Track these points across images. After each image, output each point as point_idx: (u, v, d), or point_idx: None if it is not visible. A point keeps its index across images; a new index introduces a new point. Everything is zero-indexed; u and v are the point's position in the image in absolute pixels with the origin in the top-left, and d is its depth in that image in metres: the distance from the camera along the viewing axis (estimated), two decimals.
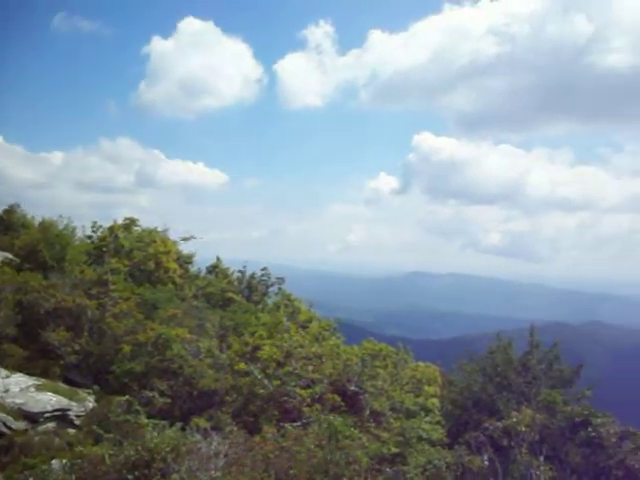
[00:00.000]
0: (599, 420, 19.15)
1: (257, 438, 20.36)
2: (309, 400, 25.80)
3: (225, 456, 17.85)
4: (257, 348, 29.02)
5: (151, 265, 42.39)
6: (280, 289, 47.51)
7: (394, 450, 24.39)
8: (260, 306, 42.31)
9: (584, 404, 25.85)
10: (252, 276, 48.89)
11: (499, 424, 20.54)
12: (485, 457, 19.98)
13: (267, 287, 48.48)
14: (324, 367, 27.69)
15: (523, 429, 19.78)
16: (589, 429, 19.02)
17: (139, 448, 16.15)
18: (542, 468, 19.42)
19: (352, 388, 27.42)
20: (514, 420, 20.09)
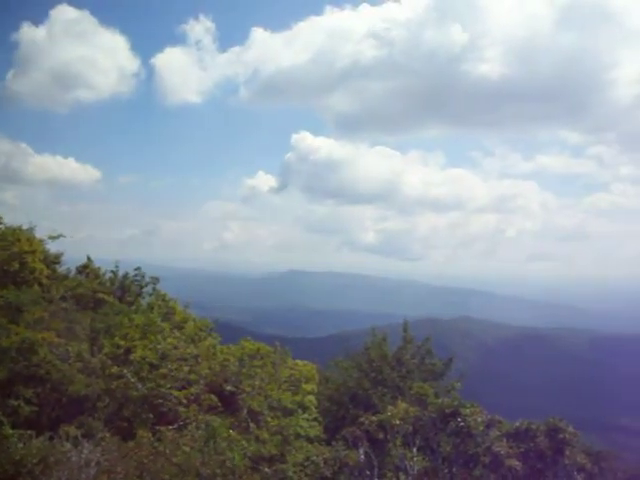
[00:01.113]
0: (467, 410, 19.90)
1: (131, 444, 19.76)
2: (185, 402, 25.34)
3: (97, 464, 17.21)
4: (130, 350, 28.14)
5: (15, 265, 40.06)
6: (154, 289, 46.27)
7: (273, 449, 24.41)
8: (134, 307, 41.00)
9: (454, 395, 26.96)
10: (125, 276, 47.31)
11: (374, 418, 20.94)
12: (361, 451, 20.30)
13: (141, 287, 47.06)
14: (200, 368, 27.27)
15: (397, 422, 20.26)
16: (458, 419, 19.72)
17: (2, 462, 15.23)
18: (415, 459, 19.99)
19: (229, 388, 27.16)
20: (389, 414, 20.55)
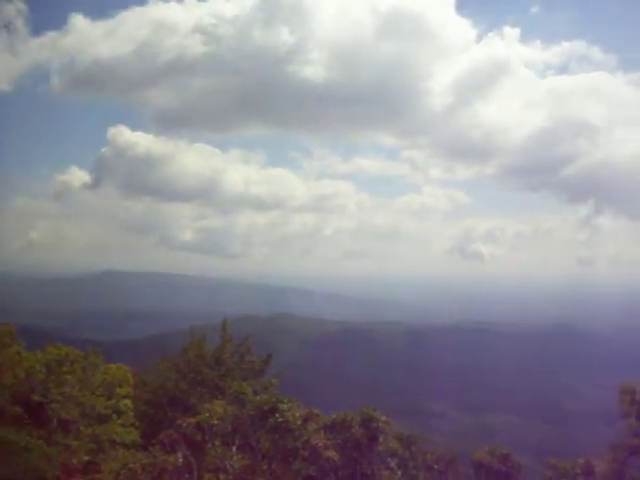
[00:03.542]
0: (285, 406, 20.13)
1: None
2: None
3: None
4: None
5: None
6: None
7: (85, 458, 23.43)
8: None
9: (272, 392, 27.19)
10: None
11: (192, 420, 20.58)
12: (179, 454, 19.89)
13: None
14: (4, 377, 25.53)
15: (216, 422, 20.07)
16: (277, 415, 19.90)
17: None
18: (235, 457, 19.91)
19: (36, 398, 25.65)
20: (207, 414, 20.28)
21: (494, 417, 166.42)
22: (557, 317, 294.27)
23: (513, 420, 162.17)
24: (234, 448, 20.08)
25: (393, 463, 22.10)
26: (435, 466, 23.74)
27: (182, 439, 20.10)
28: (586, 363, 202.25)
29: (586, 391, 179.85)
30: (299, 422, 20.02)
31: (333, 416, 21.56)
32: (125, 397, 28.08)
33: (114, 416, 26.83)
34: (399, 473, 22.16)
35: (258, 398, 21.43)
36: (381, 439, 21.05)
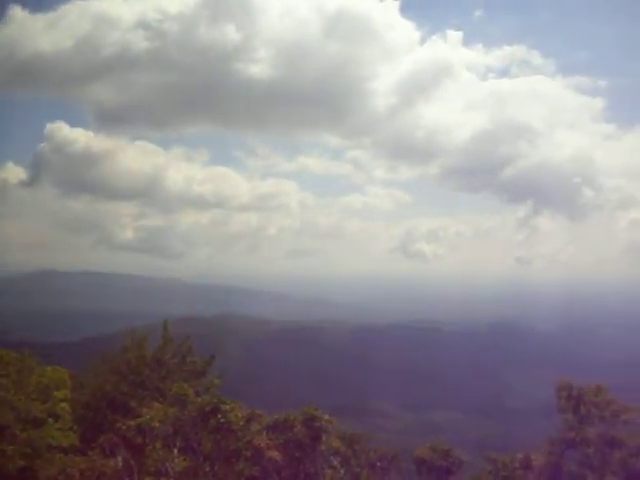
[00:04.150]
0: (228, 406, 20.05)
1: None
2: None
3: None
4: None
5: None
6: None
7: (21, 463, 22.90)
8: None
9: (214, 393, 26.97)
10: None
11: (132, 423, 20.27)
12: (119, 458, 19.59)
13: None
14: None
15: (156, 424, 19.82)
16: (219, 416, 19.80)
17: None
18: (176, 460, 19.74)
19: None
20: (147, 417, 20.01)
21: (437, 414, 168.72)
22: (497, 316, 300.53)
23: (456, 417, 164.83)
24: (175, 450, 19.90)
25: (336, 462, 22.27)
26: (378, 464, 24.02)
27: (122, 442, 19.80)
28: (526, 360, 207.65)
29: (526, 387, 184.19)
30: (241, 423, 19.96)
31: (276, 416, 21.57)
32: (62, 400, 27.40)
33: (51, 420, 26.17)
34: (342, 471, 22.34)
35: (200, 399, 21.27)
36: (324, 438, 21.17)
